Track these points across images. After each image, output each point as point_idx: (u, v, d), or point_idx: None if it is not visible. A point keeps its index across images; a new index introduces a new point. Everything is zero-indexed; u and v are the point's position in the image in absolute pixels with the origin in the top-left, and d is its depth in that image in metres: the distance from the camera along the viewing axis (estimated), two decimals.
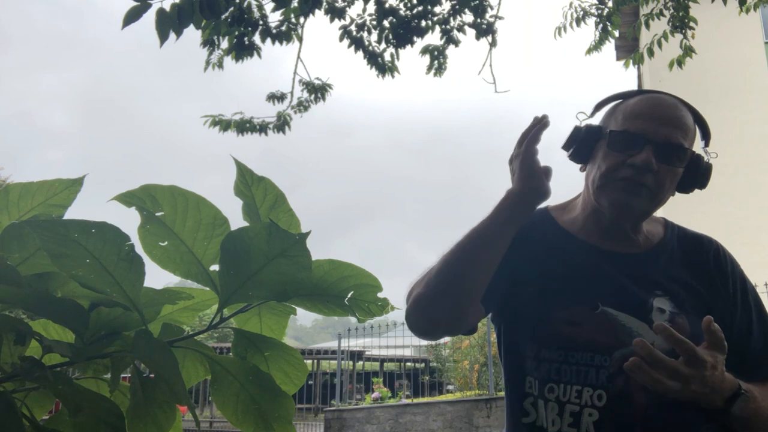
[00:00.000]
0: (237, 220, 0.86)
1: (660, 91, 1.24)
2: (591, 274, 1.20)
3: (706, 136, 1.25)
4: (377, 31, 4.72)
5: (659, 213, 1.29)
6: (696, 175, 1.20)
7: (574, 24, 4.98)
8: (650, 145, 1.13)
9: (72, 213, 0.82)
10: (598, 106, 1.27)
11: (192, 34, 4.25)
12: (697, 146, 1.23)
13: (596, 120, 1.26)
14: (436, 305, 1.14)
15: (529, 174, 1.14)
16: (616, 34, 5.08)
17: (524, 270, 1.24)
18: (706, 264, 1.21)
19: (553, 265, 1.23)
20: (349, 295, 0.93)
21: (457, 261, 1.15)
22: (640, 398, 1.09)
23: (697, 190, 1.25)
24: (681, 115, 1.18)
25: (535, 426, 1.16)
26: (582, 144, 1.22)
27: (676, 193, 1.25)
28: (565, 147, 1.24)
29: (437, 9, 4.71)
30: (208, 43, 4.37)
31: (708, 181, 1.22)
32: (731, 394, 1.03)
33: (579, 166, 1.26)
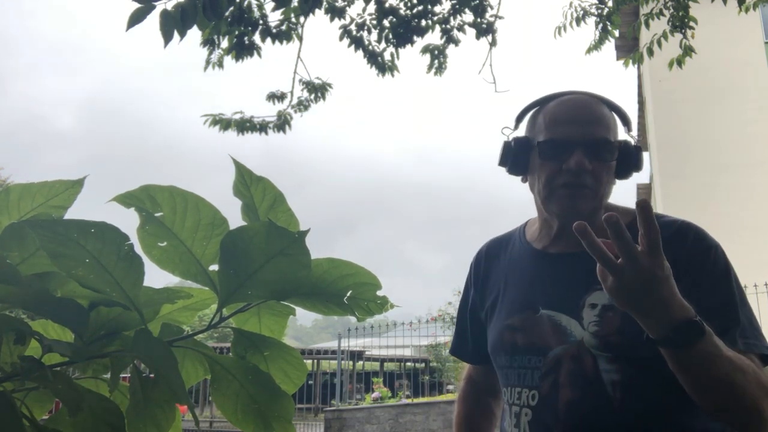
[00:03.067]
0: (238, 222, 0.87)
1: (573, 91, 1.27)
2: (534, 279, 1.25)
3: (626, 122, 1.28)
4: (377, 31, 4.72)
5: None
6: (629, 161, 1.23)
7: (574, 23, 4.98)
8: (578, 147, 1.16)
9: (77, 214, 0.82)
10: (519, 118, 1.32)
11: (198, 37, 4.26)
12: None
13: (521, 131, 1.30)
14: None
15: None
16: (616, 33, 5.08)
17: (491, 291, 1.34)
18: (666, 249, 1.17)
19: (510, 277, 1.31)
20: (348, 294, 0.93)
21: None
22: (565, 395, 1.11)
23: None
24: (598, 111, 1.21)
25: (504, 429, 1.26)
26: (515, 158, 1.26)
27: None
28: (501, 163, 1.29)
29: (437, 8, 4.72)
30: (209, 42, 4.37)
31: (642, 163, 1.25)
32: (684, 320, 0.91)
33: (520, 178, 1.30)
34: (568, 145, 1.17)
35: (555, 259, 1.24)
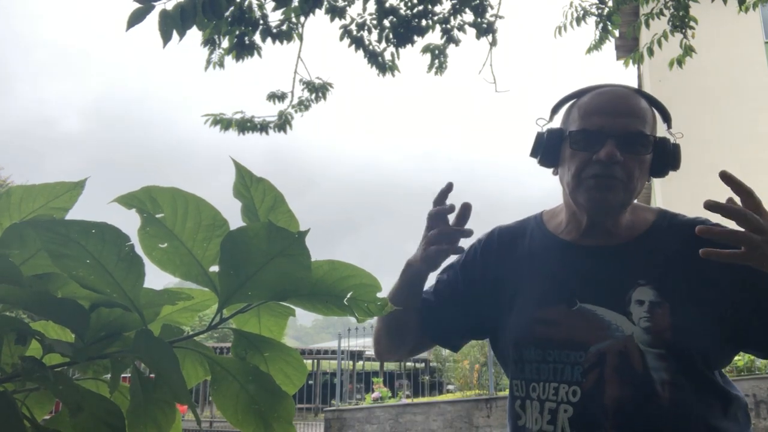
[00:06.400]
0: (238, 223, 0.87)
1: (611, 84, 1.25)
2: (568, 271, 1.21)
3: (666, 119, 1.27)
4: (377, 31, 4.72)
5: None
6: (666, 158, 1.21)
7: (574, 23, 4.98)
8: (611, 138, 1.14)
9: (81, 216, 0.82)
10: (554, 109, 1.29)
11: (200, 38, 4.26)
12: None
13: (555, 123, 1.29)
14: (378, 344, 1.40)
15: (424, 247, 1.21)
16: (616, 33, 5.09)
17: (507, 280, 1.28)
18: (693, 248, 1.16)
19: (535, 268, 1.26)
20: (348, 295, 0.93)
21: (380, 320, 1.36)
22: (613, 392, 1.09)
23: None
24: (635, 104, 1.19)
25: (525, 428, 1.18)
26: (547, 149, 1.24)
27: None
28: (533, 154, 1.27)
29: (437, 8, 4.72)
30: (209, 42, 4.37)
31: (679, 162, 1.23)
32: None
33: (551, 170, 1.28)
34: (600, 135, 1.15)
35: (589, 252, 1.21)
